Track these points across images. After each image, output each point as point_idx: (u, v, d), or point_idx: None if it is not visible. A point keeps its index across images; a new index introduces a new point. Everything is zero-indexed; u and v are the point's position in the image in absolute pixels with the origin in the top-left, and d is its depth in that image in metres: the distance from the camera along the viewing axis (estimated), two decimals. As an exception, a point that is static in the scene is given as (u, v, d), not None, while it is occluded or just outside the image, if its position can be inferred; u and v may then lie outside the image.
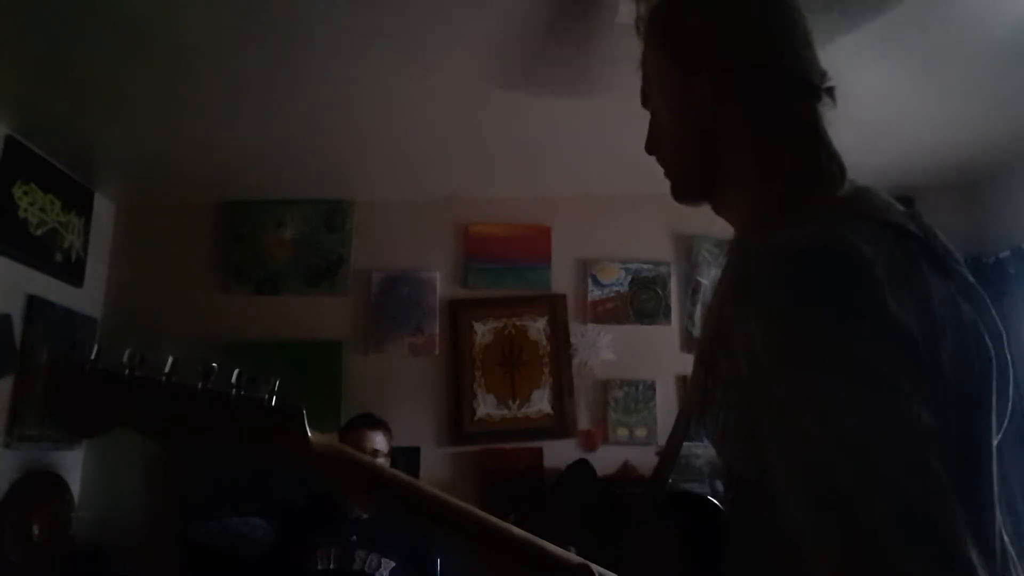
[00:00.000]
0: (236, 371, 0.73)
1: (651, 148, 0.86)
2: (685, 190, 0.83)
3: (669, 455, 0.84)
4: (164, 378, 0.72)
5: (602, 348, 3.41)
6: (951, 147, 3.08)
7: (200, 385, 0.72)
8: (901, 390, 0.55)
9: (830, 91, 0.76)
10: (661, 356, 3.38)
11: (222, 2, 2.09)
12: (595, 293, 3.49)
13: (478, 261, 3.53)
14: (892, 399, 0.54)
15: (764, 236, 0.67)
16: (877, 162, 3.13)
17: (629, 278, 3.50)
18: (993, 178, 3.32)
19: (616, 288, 3.49)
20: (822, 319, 0.57)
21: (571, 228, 3.55)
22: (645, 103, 0.87)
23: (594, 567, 0.73)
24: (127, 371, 0.72)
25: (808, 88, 0.75)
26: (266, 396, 0.73)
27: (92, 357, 0.72)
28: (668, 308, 3.47)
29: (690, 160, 0.81)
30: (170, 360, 0.73)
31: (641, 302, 3.48)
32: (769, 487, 0.61)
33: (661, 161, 0.85)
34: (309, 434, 0.72)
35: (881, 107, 2.69)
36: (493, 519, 0.75)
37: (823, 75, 0.77)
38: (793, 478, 0.56)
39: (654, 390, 3.34)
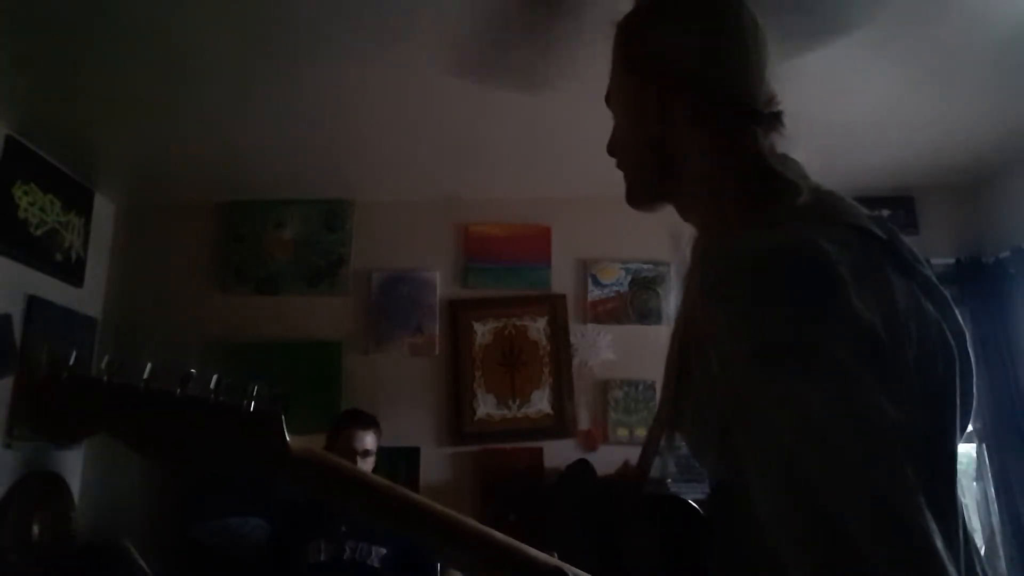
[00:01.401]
0: (215, 377, 0.73)
1: (611, 150, 0.90)
2: (636, 196, 0.88)
3: (645, 460, 0.84)
4: (142, 384, 0.72)
5: (602, 348, 3.41)
6: (951, 147, 3.08)
7: (178, 391, 0.72)
8: (867, 385, 0.56)
9: (776, 116, 0.79)
10: (661, 356, 3.36)
11: (223, 3, 2.09)
12: (595, 293, 3.49)
13: (478, 261, 3.53)
14: (858, 393, 0.55)
15: (729, 239, 0.69)
16: (877, 162, 3.14)
17: (629, 278, 3.50)
18: (993, 178, 3.32)
19: (616, 288, 3.50)
20: (789, 317, 0.58)
21: (571, 228, 3.55)
22: (608, 104, 0.91)
23: (568, 569, 0.73)
24: (105, 378, 0.72)
25: (751, 113, 0.78)
26: (244, 401, 0.73)
27: (71, 363, 0.72)
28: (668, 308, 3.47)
29: (640, 168, 0.85)
30: (148, 366, 0.73)
31: (641, 302, 3.48)
32: (741, 487, 0.62)
33: (618, 165, 0.89)
34: (287, 438, 0.72)
35: (881, 107, 2.69)
36: (471, 522, 0.76)
37: (770, 100, 0.79)
38: (763, 474, 0.57)
39: (654, 390, 3.34)
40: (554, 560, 0.75)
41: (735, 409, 0.60)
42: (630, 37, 0.85)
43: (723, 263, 0.65)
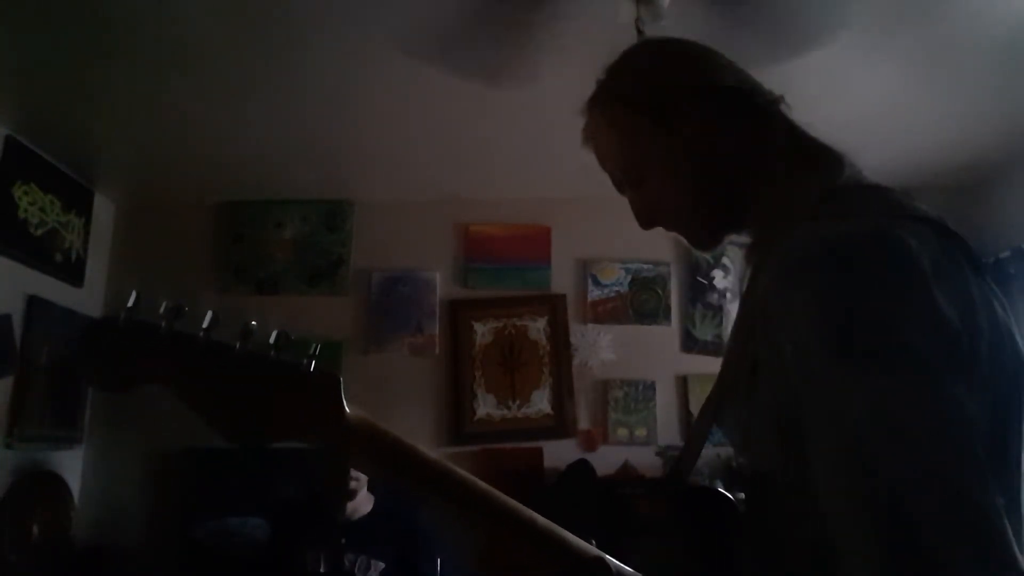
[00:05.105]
0: (276, 332, 0.69)
1: (648, 222, 0.87)
2: (713, 234, 0.84)
3: (692, 449, 0.82)
4: (202, 334, 0.68)
5: (602, 348, 3.41)
6: (951, 147, 3.08)
7: (238, 345, 0.68)
8: (946, 380, 0.55)
9: (782, 98, 0.82)
10: (661, 356, 3.38)
11: (222, 3, 2.09)
12: (595, 293, 3.49)
13: (478, 261, 3.53)
14: (938, 389, 0.55)
15: (803, 228, 0.67)
16: (877, 162, 3.11)
17: (629, 278, 3.50)
18: (993, 178, 3.32)
19: (616, 288, 3.49)
20: (873, 309, 0.57)
21: (571, 228, 3.55)
22: (621, 189, 0.89)
23: (610, 560, 0.73)
24: (163, 324, 0.67)
25: (770, 99, 0.80)
26: (304, 361, 0.69)
27: (129, 305, 0.68)
28: (668, 308, 3.47)
29: (708, 203, 0.82)
30: (209, 315, 0.68)
31: (641, 302, 3.48)
32: (790, 479, 0.61)
33: (671, 226, 0.86)
34: (345, 404, 0.70)
35: (881, 107, 2.69)
36: (518, 505, 0.75)
37: (770, 92, 0.82)
38: (836, 466, 0.56)
39: (654, 390, 3.34)
40: (596, 550, 0.74)
41: (808, 400, 0.59)
42: (635, 92, 0.84)
43: (801, 250, 0.63)
